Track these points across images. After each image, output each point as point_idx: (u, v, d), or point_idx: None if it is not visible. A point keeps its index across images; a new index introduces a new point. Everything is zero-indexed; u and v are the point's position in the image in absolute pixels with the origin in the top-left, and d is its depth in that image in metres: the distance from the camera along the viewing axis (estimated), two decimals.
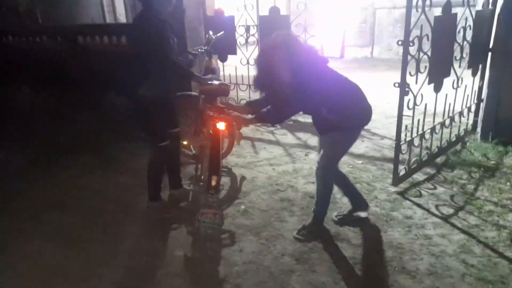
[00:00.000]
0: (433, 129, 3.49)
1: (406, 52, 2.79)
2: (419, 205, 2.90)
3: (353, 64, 8.95)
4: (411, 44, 2.80)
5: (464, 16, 3.38)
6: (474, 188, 3.08)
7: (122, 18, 12.09)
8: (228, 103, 2.61)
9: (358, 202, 2.71)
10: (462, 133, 3.96)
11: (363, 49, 9.06)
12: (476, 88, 3.99)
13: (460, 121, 3.88)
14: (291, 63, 2.17)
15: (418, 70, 2.97)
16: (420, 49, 2.94)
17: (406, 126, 3.17)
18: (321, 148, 2.47)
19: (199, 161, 2.98)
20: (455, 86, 3.54)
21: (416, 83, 3.01)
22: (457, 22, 3.29)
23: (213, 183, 2.32)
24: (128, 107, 5.44)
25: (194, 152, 3.39)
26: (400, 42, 2.81)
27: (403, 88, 2.87)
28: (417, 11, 2.81)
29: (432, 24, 2.95)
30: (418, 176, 3.33)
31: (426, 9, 2.86)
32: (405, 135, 3.23)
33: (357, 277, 2.21)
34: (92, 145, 4.39)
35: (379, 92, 6.01)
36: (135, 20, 2.69)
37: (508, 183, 3.09)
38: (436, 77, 3.20)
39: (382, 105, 5.48)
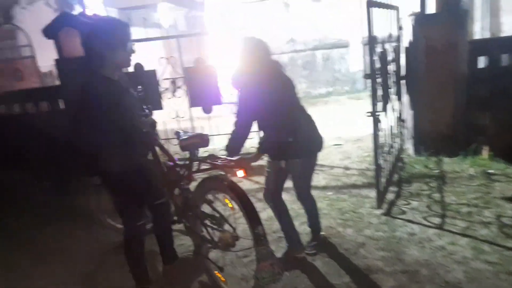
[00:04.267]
0: (388, 151, 3.83)
1: (373, 84, 3.05)
2: (410, 221, 3.09)
3: None
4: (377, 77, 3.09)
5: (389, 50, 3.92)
6: (440, 196, 3.44)
7: None
8: (241, 158, 2.42)
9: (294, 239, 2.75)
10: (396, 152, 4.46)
11: None
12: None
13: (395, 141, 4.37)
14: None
15: (377, 100, 3.27)
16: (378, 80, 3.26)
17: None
18: (293, 175, 2.60)
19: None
20: (392, 110, 4.02)
21: (376, 110, 3.31)
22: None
23: (261, 232, 2.09)
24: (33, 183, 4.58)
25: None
26: (367, 76, 3.06)
27: (375, 116, 3.11)
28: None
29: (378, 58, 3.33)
30: (388, 195, 3.58)
31: None
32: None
33: None
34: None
35: None
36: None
37: (463, 186, 3.56)
38: (384, 104, 3.58)
39: None
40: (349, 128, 6.12)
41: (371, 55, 3.01)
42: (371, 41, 2.99)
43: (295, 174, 2.59)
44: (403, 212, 3.25)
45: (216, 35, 7.98)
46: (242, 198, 2.18)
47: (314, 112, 7.74)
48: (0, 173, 4.61)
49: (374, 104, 3.09)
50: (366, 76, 3.06)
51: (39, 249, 3.34)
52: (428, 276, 2.38)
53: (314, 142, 2.55)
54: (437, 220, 3.05)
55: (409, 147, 4.63)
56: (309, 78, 9.66)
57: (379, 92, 3.37)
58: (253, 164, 2.45)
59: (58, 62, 4.69)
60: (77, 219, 3.63)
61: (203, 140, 2.67)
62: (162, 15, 14.35)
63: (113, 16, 2.28)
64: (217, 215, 2.40)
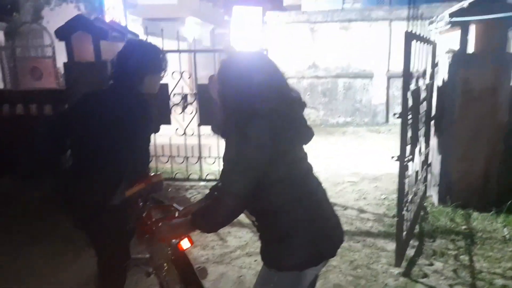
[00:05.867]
0: (411, 200, 3.41)
1: (404, 125, 2.68)
2: None
3: None
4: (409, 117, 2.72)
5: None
6: (469, 259, 2.99)
7: None
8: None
9: None
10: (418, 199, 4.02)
11: None
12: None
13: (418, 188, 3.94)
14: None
15: (409, 141, 2.89)
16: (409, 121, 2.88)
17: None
18: None
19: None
20: (419, 154, 3.61)
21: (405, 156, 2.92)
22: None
23: None
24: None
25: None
26: (397, 115, 2.69)
27: (403, 162, 2.72)
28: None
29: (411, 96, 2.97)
30: (408, 251, 3.15)
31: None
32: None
33: None
34: None
35: (310, 158, 6.02)
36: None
37: (496, 250, 3.10)
38: (413, 147, 3.18)
39: (322, 171, 5.42)
40: (366, 164, 5.72)
41: (404, 92, 2.65)
42: (406, 77, 2.63)
43: None
44: (425, 275, 2.81)
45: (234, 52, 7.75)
46: (186, 277, 1.62)
47: (331, 142, 7.23)
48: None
49: (403, 149, 2.71)
50: (398, 116, 2.68)
51: None
52: None
53: (334, 236, 1.49)
54: None
55: (432, 194, 4.19)
56: (328, 106, 9.32)
57: (409, 134, 2.99)
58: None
59: (66, 65, 4.47)
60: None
61: (153, 184, 1.90)
62: (188, 29, 14.37)
63: (149, 42, 2.12)
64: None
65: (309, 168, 1.51)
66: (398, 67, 8.37)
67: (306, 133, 1.48)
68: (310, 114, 9.36)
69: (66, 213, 1.99)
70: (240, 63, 1.44)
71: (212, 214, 1.37)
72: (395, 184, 4.43)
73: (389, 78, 8.76)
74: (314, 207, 1.44)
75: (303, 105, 1.48)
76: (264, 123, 1.32)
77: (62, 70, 10.76)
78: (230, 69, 1.43)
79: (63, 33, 4.41)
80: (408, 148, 3.00)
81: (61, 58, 10.82)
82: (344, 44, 9.01)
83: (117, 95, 1.91)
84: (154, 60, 1.98)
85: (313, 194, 1.46)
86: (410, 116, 2.96)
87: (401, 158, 2.71)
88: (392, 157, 2.76)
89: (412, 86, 3.07)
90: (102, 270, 2.05)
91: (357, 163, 5.80)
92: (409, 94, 2.88)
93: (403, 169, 2.73)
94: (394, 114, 2.73)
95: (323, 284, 2.66)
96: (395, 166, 3.20)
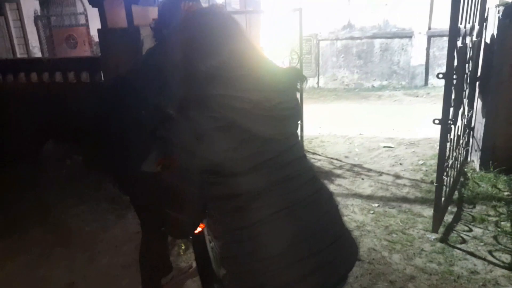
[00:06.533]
0: (451, 165, 3.28)
1: (449, 86, 2.52)
2: (472, 254, 2.58)
3: (303, 95, 8.91)
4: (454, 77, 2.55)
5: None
6: (510, 226, 2.88)
7: (36, 51, 10.70)
8: None
9: None
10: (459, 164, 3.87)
11: (309, 79, 9.07)
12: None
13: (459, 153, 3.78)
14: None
15: (452, 103, 2.73)
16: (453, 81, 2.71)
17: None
18: None
19: None
20: (461, 117, 3.43)
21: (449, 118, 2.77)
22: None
23: None
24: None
25: None
26: (441, 75, 2.53)
27: (445, 125, 2.59)
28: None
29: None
30: (446, 217, 3.07)
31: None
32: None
33: None
34: (34, 214, 3.38)
35: (344, 123, 5.91)
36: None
37: None
38: (456, 110, 3.02)
39: (357, 137, 5.31)
40: (403, 129, 5.52)
41: (450, 50, 2.47)
42: (453, 33, 2.44)
43: None
44: (464, 241, 2.74)
45: (270, 14, 7.55)
46: (199, 259, 1.53)
47: (366, 106, 7.01)
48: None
49: (446, 111, 2.57)
50: (442, 76, 2.52)
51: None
52: None
53: (339, 258, 1.14)
54: (506, 258, 2.52)
55: (474, 160, 4.01)
56: (363, 69, 8.96)
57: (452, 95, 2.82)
58: None
59: (100, 32, 4.50)
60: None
61: None
62: None
63: None
64: None
65: (287, 171, 1.09)
66: (441, 25, 7.91)
67: (288, 121, 1.12)
68: (344, 78, 9.08)
69: (109, 177, 2.05)
70: (195, 31, 1.08)
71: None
72: (434, 149, 4.33)
73: (429, 37, 8.23)
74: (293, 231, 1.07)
75: (296, 80, 1.13)
76: (208, 115, 1.00)
77: (95, 38, 10.98)
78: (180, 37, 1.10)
79: None
80: (451, 110, 2.85)
81: (94, 25, 10.94)
82: (381, 0, 8.49)
83: (157, 63, 1.86)
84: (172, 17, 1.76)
85: (286, 214, 1.06)
86: (455, 77, 2.79)
87: (444, 120, 2.58)
88: (434, 120, 2.62)
89: (459, 44, 2.86)
90: (143, 234, 2.14)
91: (393, 128, 5.62)
92: (455, 53, 2.69)
93: (445, 132, 2.61)
94: (438, 74, 2.57)
95: None
96: (434, 131, 3.06)
